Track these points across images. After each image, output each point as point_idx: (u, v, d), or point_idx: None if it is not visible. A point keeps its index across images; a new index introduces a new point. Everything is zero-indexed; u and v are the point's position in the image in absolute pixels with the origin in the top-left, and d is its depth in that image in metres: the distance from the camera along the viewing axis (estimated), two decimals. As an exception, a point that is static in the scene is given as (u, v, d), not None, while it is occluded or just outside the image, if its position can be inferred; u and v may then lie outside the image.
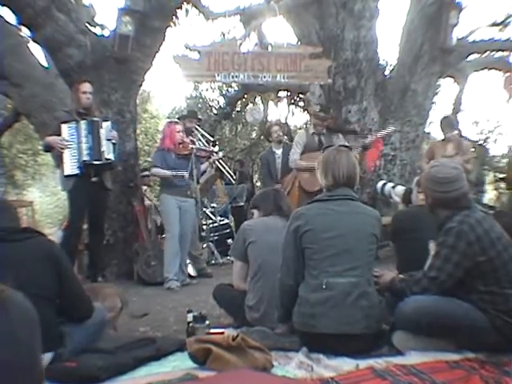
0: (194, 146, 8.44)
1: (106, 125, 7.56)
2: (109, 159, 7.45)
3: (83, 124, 7.23)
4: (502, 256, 3.84)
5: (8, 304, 1.91)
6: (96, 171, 7.29)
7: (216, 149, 9.38)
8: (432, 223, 4.25)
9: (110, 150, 7.49)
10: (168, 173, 8.13)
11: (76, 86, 7.52)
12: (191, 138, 8.92)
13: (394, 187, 8.65)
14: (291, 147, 9.00)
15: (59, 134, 7.15)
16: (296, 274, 4.16)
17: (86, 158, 7.18)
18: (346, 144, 8.31)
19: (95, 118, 7.57)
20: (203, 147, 9.12)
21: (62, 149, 7.10)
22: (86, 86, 7.45)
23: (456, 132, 9.33)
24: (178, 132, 8.27)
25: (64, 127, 7.18)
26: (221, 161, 9.86)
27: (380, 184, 9.09)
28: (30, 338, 1.97)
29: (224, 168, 10.30)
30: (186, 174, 8.08)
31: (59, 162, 7.33)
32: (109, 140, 7.49)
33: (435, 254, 3.98)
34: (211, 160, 9.01)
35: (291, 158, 8.75)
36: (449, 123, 9.44)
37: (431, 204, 4.22)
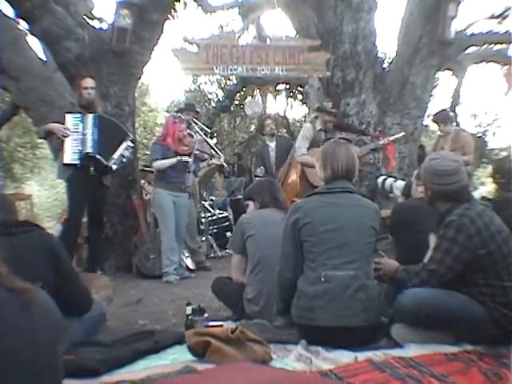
0: (196, 147, 8.47)
1: (130, 145, 7.75)
2: (110, 167, 7.47)
3: (90, 117, 7.24)
4: (502, 249, 3.84)
5: (33, 304, 1.92)
6: (96, 165, 7.28)
7: (214, 140, 9.42)
8: (431, 216, 4.26)
9: (117, 162, 7.54)
10: (173, 160, 8.01)
11: (78, 82, 7.53)
12: (189, 131, 8.90)
13: (395, 181, 8.65)
14: (285, 140, 8.94)
15: (61, 123, 7.16)
16: (295, 267, 4.17)
17: (89, 150, 7.18)
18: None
19: (126, 130, 7.89)
20: (204, 150, 9.16)
21: (64, 137, 7.10)
22: (88, 82, 7.47)
23: (454, 125, 9.33)
24: (181, 131, 8.23)
25: (68, 117, 7.20)
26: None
27: (381, 179, 9.09)
28: (51, 338, 1.98)
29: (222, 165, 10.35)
30: (191, 160, 8.07)
31: (59, 150, 7.33)
32: (122, 156, 7.55)
33: (435, 247, 3.98)
34: (210, 162, 9.08)
35: (297, 152, 8.58)
36: (445, 117, 9.48)
37: (431, 197, 4.22)
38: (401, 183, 8.12)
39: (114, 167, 7.52)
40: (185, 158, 8.05)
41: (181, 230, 8.29)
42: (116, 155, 7.47)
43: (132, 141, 7.86)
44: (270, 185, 5.54)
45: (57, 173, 7.58)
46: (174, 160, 8.02)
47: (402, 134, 9.34)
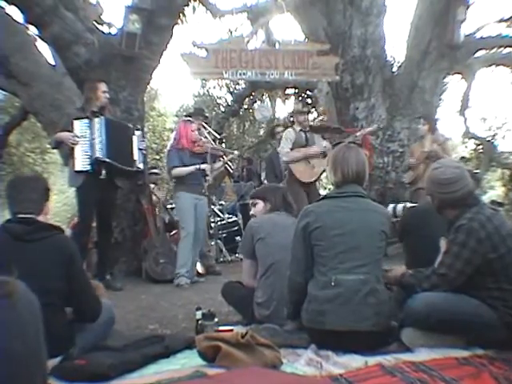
0: (209, 146, 8.49)
1: (138, 133, 7.74)
2: (139, 168, 7.52)
3: (97, 121, 7.22)
4: (513, 253, 3.84)
5: (15, 297, 1.92)
6: (108, 169, 7.27)
7: (223, 146, 9.46)
8: (441, 220, 4.26)
9: (140, 159, 7.61)
10: (190, 168, 8.15)
11: (96, 85, 7.48)
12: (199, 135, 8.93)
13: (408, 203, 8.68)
14: None
15: (69, 130, 7.15)
16: (305, 272, 4.16)
17: (98, 154, 7.16)
18: (325, 143, 8.45)
19: (128, 124, 7.86)
20: (218, 147, 9.17)
21: (74, 144, 7.09)
22: (105, 86, 7.50)
23: (426, 127, 9.23)
24: (193, 131, 8.31)
25: (76, 123, 7.16)
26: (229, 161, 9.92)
27: (391, 207, 9.11)
28: (35, 328, 1.98)
29: (230, 167, 10.34)
30: (208, 167, 8.13)
31: (69, 157, 7.31)
32: (140, 149, 7.60)
33: (445, 252, 3.97)
34: (226, 159, 9.08)
35: (282, 152, 8.78)
36: (435, 122, 9.46)
37: (438, 205, 4.22)
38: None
39: (141, 166, 7.62)
40: (203, 166, 8.17)
41: (200, 232, 8.35)
42: (136, 155, 7.52)
43: (138, 129, 7.88)
44: (284, 190, 5.55)
45: (68, 180, 7.51)
46: (192, 168, 8.13)
47: (376, 126, 9.37)
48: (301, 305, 4.13)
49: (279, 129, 10.75)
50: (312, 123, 9.24)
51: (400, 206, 8.77)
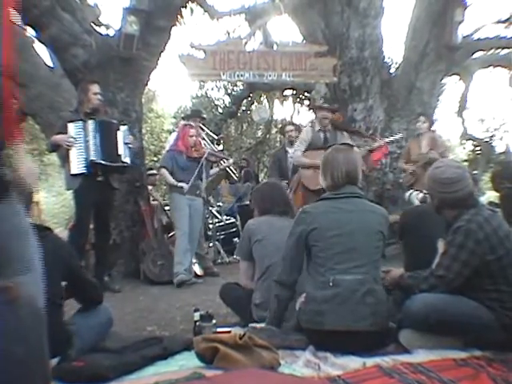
0: (206, 150, 8.51)
1: (124, 128, 7.62)
2: (125, 163, 7.47)
3: (91, 123, 7.20)
4: (511, 254, 3.83)
5: (18, 301, 1.91)
6: (103, 171, 7.26)
7: (221, 147, 9.45)
8: (440, 221, 4.25)
9: (126, 153, 7.52)
10: (172, 181, 8.26)
11: (87, 87, 7.44)
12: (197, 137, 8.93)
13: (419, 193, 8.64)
14: None
15: (65, 133, 7.13)
16: (294, 272, 4.23)
17: (93, 157, 7.14)
18: (350, 142, 8.31)
19: (113, 120, 7.74)
20: (215, 152, 9.15)
21: (69, 146, 7.06)
22: (97, 87, 7.45)
23: (426, 125, 9.24)
24: (191, 136, 8.34)
25: (70, 126, 7.14)
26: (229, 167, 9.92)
27: (407, 193, 9.04)
28: (38, 334, 1.97)
29: (231, 170, 10.35)
30: (186, 187, 8.12)
31: (65, 160, 7.30)
32: (126, 144, 7.54)
33: (443, 253, 3.97)
34: (222, 166, 9.09)
35: (294, 155, 8.63)
36: (432, 119, 9.47)
37: (437, 205, 4.21)
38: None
39: (127, 160, 7.52)
40: (180, 184, 8.19)
41: (194, 233, 8.39)
42: (121, 150, 7.45)
43: (123, 124, 7.79)
44: (283, 189, 5.63)
45: (65, 183, 7.49)
46: (171, 181, 8.29)
47: (400, 135, 9.34)
48: (285, 309, 4.24)
49: (290, 127, 10.67)
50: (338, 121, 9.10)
51: (415, 193, 8.72)
